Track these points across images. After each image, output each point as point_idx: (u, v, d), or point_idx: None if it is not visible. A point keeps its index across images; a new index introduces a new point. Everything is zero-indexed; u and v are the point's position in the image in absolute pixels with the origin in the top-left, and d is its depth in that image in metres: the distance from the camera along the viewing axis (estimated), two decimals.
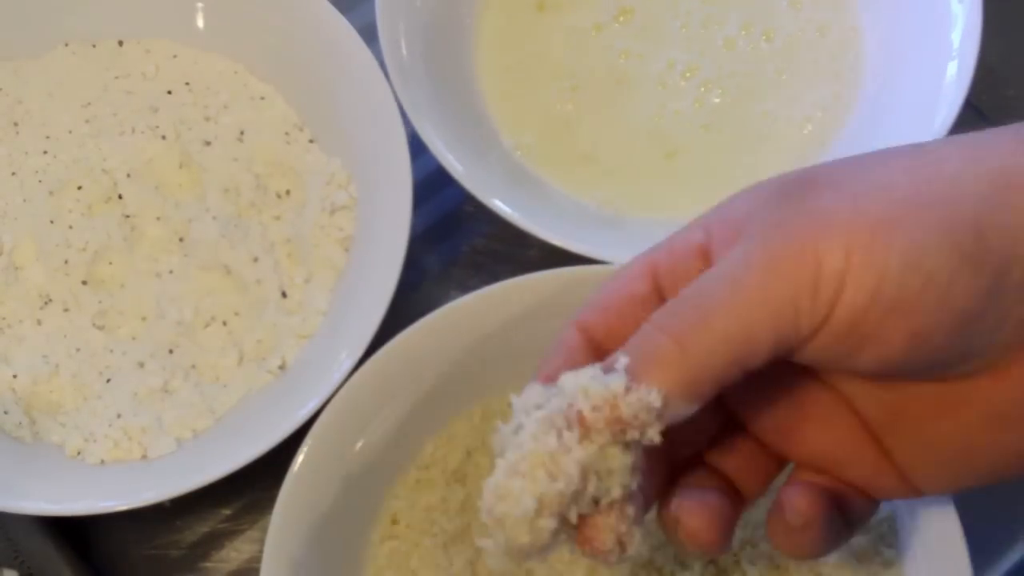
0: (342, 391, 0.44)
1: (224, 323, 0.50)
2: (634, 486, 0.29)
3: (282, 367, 0.50)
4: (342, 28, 0.52)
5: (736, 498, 0.33)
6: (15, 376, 0.49)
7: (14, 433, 0.48)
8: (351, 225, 0.52)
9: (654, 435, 0.28)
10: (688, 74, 0.56)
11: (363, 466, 0.45)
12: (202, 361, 0.50)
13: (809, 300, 0.28)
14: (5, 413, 0.48)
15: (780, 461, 0.34)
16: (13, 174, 0.53)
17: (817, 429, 0.33)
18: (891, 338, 0.28)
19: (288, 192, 0.53)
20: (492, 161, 0.53)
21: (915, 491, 0.32)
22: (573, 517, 0.28)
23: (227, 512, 0.51)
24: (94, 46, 0.55)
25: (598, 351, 0.32)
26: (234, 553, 0.50)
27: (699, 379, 0.28)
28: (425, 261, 0.56)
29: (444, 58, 0.55)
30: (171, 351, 0.50)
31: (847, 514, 0.32)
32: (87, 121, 0.54)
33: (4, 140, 0.53)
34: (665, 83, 0.56)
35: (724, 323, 0.28)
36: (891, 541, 0.44)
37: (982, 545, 0.43)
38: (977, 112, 0.58)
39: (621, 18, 0.57)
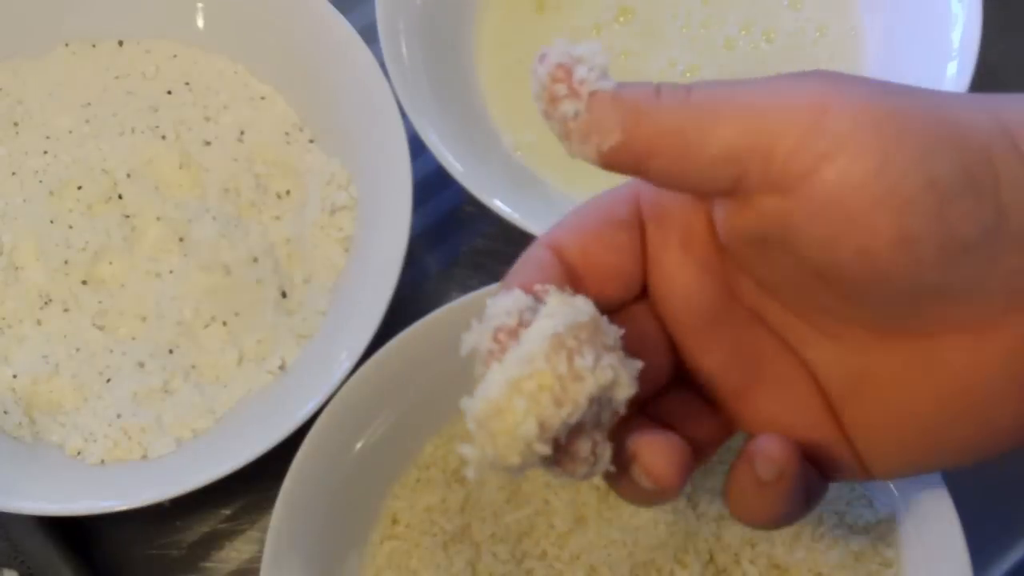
0: (342, 391, 0.44)
1: (224, 323, 0.50)
2: (623, 411, 0.28)
3: (282, 367, 0.50)
4: (342, 28, 0.52)
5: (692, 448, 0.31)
6: (15, 376, 0.49)
7: (14, 433, 0.48)
8: (351, 225, 0.52)
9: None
10: (688, 74, 0.56)
11: (363, 466, 0.45)
12: (202, 361, 0.50)
13: (795, 141, 0.26)
14: (5, 413, 0.48)
15: (731, 427, 0.32)
16: (13, 174, 0.53)
17: (772, 393, 0.31)
18: (880, 229, 0.26)
19: (288, 192, 0.53)
20: (492, 161, 0.53)
21: (865, 471, 0.30)
22: (562, 441, 0.27)
23: (227, 512, 0.51)
24: (94, 46, 0.55)
25: (572, 275, 0.30)
26: (234, 553, 0.50)
27: (646, 118, 0.27)
28: (425, 261, 0.56)
29: (444, 58, 0.55)
30: (171, 351, 0.50)
31: (808, 484, 0.30)
32: (87, 121, 0.54)
33: (4, 140, 0.53)
34: None
35: (702, 100, 0.27)
36: (891, 541, 0.44)
37: (982, 545, 0.43)
38: None
39: (621, 18, 0.57)
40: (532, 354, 0.27)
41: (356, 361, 0.46)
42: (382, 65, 0.51)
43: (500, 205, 0.49)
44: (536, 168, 0.54)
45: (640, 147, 0.27)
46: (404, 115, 0.50)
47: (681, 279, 0.30)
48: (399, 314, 0.47)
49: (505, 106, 0.55)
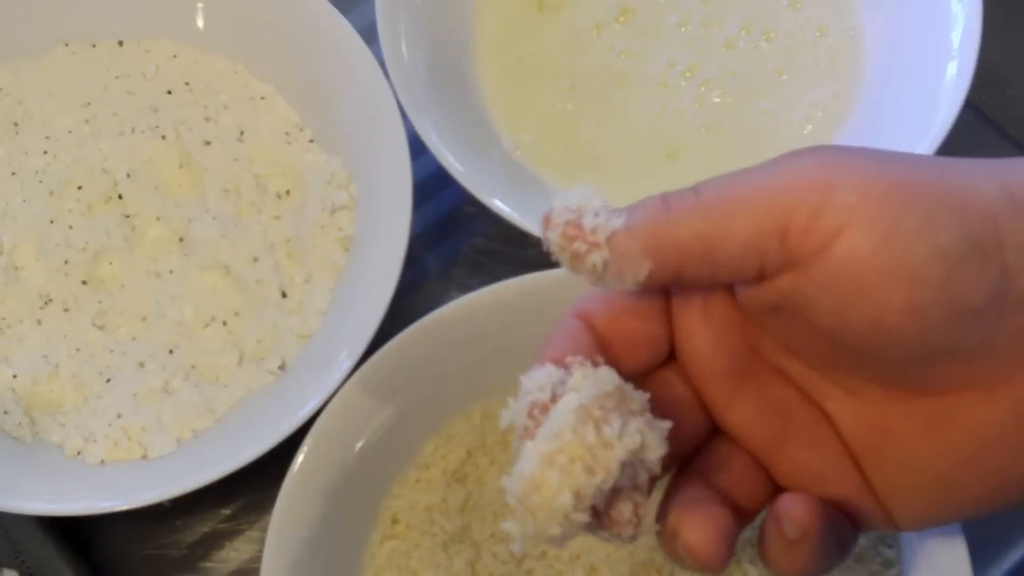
0: (342, 391, 0.44)
1: (224, 323, 0.50)
2: (658, 471, 0.29)
3: (282, 367, 0.50)
4: (342, 28, 0.52)
5: (733, 511, 0.31)
6: (15, 376, 0.49)
7: (14, 433, 0.48)
8: (351, 225, 0.52)
9: (599, 261, 0.29)
10: (688, 74, 0.56)
11: (363, 466, 0.45)
12: (202, 361, 0.50)
13: (807, 218, 0.27)
14: (5, 413, 0.48)
15: (774, 484, 0.33)
16: (13, 174, 0.53)
17: (800, 446, 0.32)
18: (889, 300, 0.27)
19: (288, 192, 0.53)
20: (492, 161, 0.53)
21: (892, 522, 0.31)
22: (600, 506, 0.28)
23: (227, 512, 0.51)
24: (94, 46, 0.55)
25: (602, 343, 0.31)
26: (234, 553, 0.50)
27: (665, 236, 0.28)
28: (425, 261, 0.56)
29: (444, 58, 0.55)
30: (171, 351, 0.50)
31: (839, 533, 0.31)
32: (87, 121, 0.54)
33: (4, 140, 0.53)
34: (665, 83, 0.56)
35: (713, 200, 0.28)
36: (891, 541, 0.44)
37: (982, 545, 0.43)
38: (977, 112, 0.58)
39: (621, 18, 0.57)
40: (560, 428, 0.28)
41: (356, 361, 0.46)
42: (382, 65, 0.51)
43: (500, 205, 0.49)
44: (536, 168, 0.54)
45: (671, 264, 0.29)
46: (404, 115, 0.50)
47: (703, 338, 0.31)
48: (399, 314, 0.47)
49: (505, 106, 0.55)
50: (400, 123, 0.50)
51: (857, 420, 0.31)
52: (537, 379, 0.29)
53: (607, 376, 0.29)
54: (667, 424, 0.29)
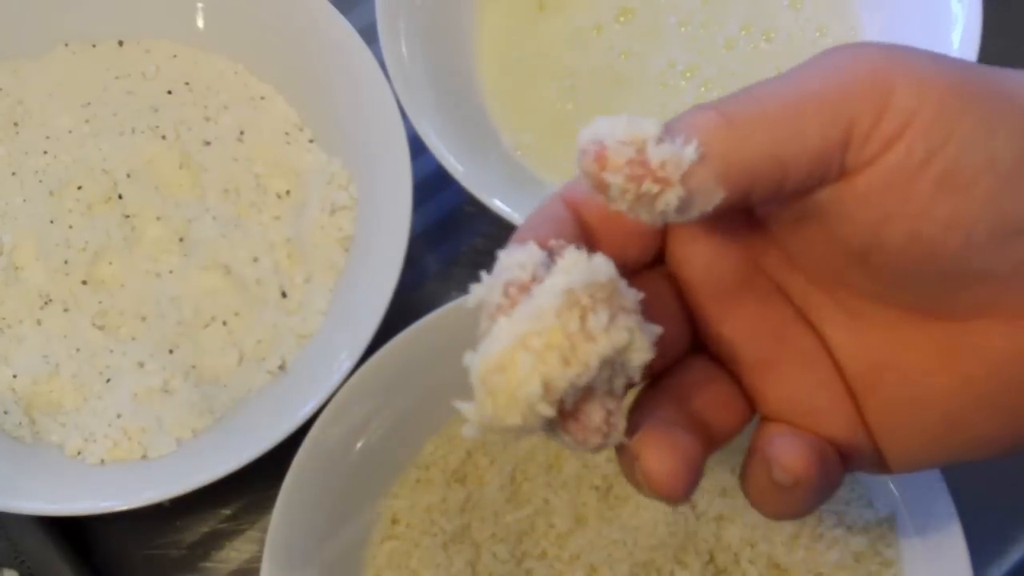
0: (342, 391, 0.44)
1: (224, 323, 0.50)
2: (638, 379, 0.26)
3: (282, 367, 0.50)
4: (342, 28, 0.52)
5: (704, 438, 0.28)
6: (15, 376, 0.49)
7: (14, 433, 0.48)
8: (351, 225, 0.52)
9: (672, 204, 0.25)
10: (688, 74, 0.56)
11: (363, 466, 0.45)
12: (202, 361, 0.50)
13: (869, 124, 0.25)
14: (5, 413, 0.48)
15: (750, 410, 0.30)
16: (13, 174, 0.53)
17: (792, 372, 0.29)
18: (935, 213, 0.25)
19: (288, 192, 0.53)
20: (492, 161, 0.53)
21: (882, 463, 0.29)
22: (569, 405, 0.25)
23: (227, 512, 0.51)
24: (94, 46, 0.55)
25: (588, 233, 0.28)
26: (234, 553, 0.50)
27: (738, 160, 0.25)
28: (425, 261, 0.56)
29: (444, 58, 0.55)
30: (171, 351, 0.50)
31: (828, 472, 0.28)
32: (87, 121, 0.54)
33: (4, 140, 0.53)
34: (666, 83, 0.56)
35: (776, 109, 0.25)
36: (891, 541, 0.44)
37: (982, 545, 0.43)
38: None
39: (622, 18, 0.57)
40: (542, 309, 0.25)
41: (356, 361, 0.46)
42: (382, 65, 0.51)
43: (500, 205, 0.49)
44: (536, 168, 0.54)
45: (742, 188, 0.25)
46: (404, 115, 0.50)
47: (703, 244, 0.29)
48: (399, 314, 0.47)
49: (505, 106, 0.55)
50: (400, 123, 0.50)
51: (859, 348, 0.29)
52: (517, 257, 0.26)
53: (602, 265, 0.26)
54: (658, 329, 0.26)
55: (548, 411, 0.25)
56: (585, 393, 0.26)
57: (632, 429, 0.27)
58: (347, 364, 0.46)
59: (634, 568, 0.44)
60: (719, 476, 0.46)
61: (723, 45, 0.56)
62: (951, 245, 0.25)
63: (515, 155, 0.54)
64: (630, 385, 0.27)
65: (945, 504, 0.43)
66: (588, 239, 0.28)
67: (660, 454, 0.26)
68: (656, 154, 0.24)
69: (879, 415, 0.29)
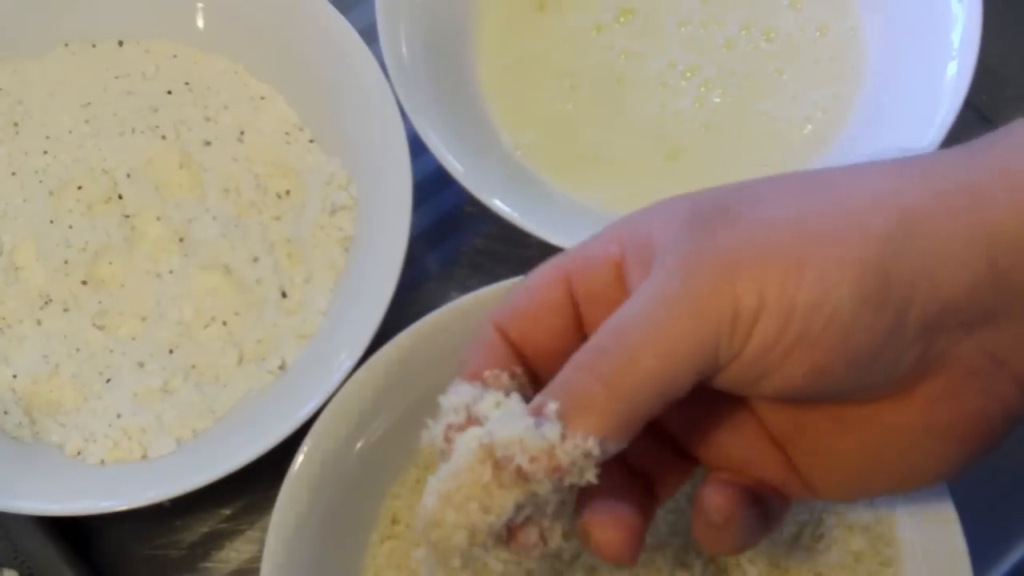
0: (342, 391, 0.44)
1: (224, 323, 0.50)
2: (561, 505, 0.30)
3: (282, 367, 0.50)
4: (342, 28, 0.52)
5: (649, 499, 0.33)
6: (15, 376, 0.49)
7: (14, 433, 0.48)
8: (351, 225, 0.52)
9: (591, 477, 0.29)
10: (688, 74, 0.56)
11: (363, 466, 0.45)
12: (202, 361, 0.50)
13: (728, 337, 0.29)
14: (5, 413, 0.48)
15: (695, 462, 0.35)
16: (13, 174, 0.53)
17: (726, 434, 0.33)
18: (793, 371, 0.29)
19: (288, 192, 0.53)
20: (492, 161, 0.53)
21: (816, 495, 0.33)
22: (504, 532, 0.29)
23: (227, 512, 0.51)
24: (94, 46, 0.55)
25: (516, 353, 0.32)
26: (234, 553, 0.50)
27: (630, 420, 0.29)
28: (425, 261, 0.56)
29: (444, 58, 0.55)
30: (171, 351, 0.50)
31: (765, 509, 0.33)
32: (87, 121, 0.54)
33: (4, 140, 0.53)
34: (666, 83, 0.56)
35: (650, 364, 0.28)
36: (891, 541, 0.44)
37: (982, 545, 0.43)
38: (977, 112, 0.58)
39: (621, 18, 0.57)
40: (459, 466, 0.28)
41: (356, 361, 0.46)
42: (382, 65, 0.51)
43: (500, 205, 0.49)
44: (536, 168, 0.54)
45: (636, 431, 0.29)
46: (404, 115, 0.50)
47: None
48: (399, 314, 0.47)
49: (505, 106, 0.55)
50: (400, 123, 0.50)
51: (777, 416, 0.33)
52: (453, 400, 0.30)
53: (514, 409, 0.29)
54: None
55: (480, 552, 0.29)
56: (521, 519, 0.29)
57: (580, 508, 0.31)
58: (347, 364, 0.46)
59: (634, 568, 0.44)
60: None
61: (723, 45, 0.56)
62: (815, 389, 0.30)
63: (515, 155, 0.54)
64: (562, 502, 0.30)
65: (945, 504, 0.43)
66: (519, 359, 0.32)
67: (606, 532, 0.31)
68: (566, 458, 0.28)
69: (802, 461, 0.33)
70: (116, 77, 0.55)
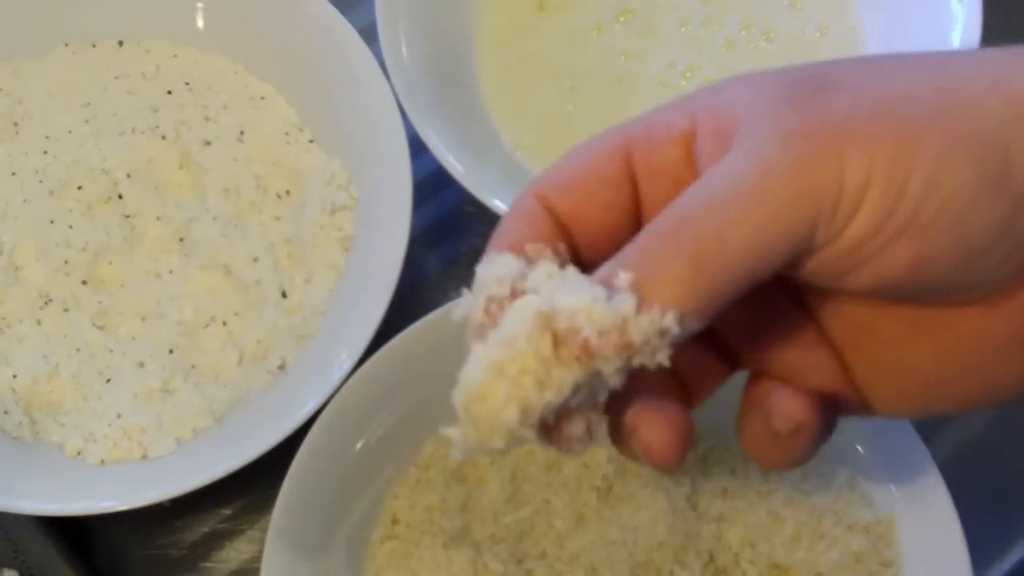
0: (342, 391, 0.44)
1: (224, 323, 0.50)
2: (619, 387, 0.26)
3: (282, 367, 0.50)
4: (342, 28, 0.52)
5: (685, 399, 0.30)
6: (15, 376, 0.49)
7: (14, 433, 0.48)
8: (351, 225, 0.52)
9: (663, 359, 0.25)
10: (688, 74, 0.56)
11: (363, 466, 0.45)
12: (202, 361, 0.50)
13: (830, 214, 0.25)
14: (5, 413, 0.48)
15: (732, 366, 0.31)
16: (13, 174, 0.53)
17: (783, 337, 0.30)
18: (895, 260, 0.26)
19: (288, 192, 0.53)
20: (492, 161, 0.53)
21: (869, 410, 0.31)
22: (551, 419, 0.26)
23: (227, 512, 0.51)
24: (94, 46, 0.55)
25: (563, 230, 0.29)
26: (234, 553, 0.50)
27: (712, 299, 0.25)
28: (425, 261, 0.56)
29: (444, 58, 0.55)
30: (171, 351, 0.50)
31: (827, 423, 0.30)
32: (87, 121, 0.54)
33: (4, 140, 0.53)
34: (665, 83, 0.56)
35: (742, 239, 0.25)
36: (891, 541, 0.44)
37: (982, 545, 0.43)
38: None
39: (622, 18, 0.57)
40: (514, 335, 0.25)
41: (356, 361, 0.46)
42: (382, 65, 0.51)
43: (500, 205, 0.49)
44: (536, 168, 0.54)
45: (715, 314, 0.26)
46: (404, 115, 0.50)
47: None
48: (399, 314, 0.47)
49: (505, 106, 0.55)
50: (400, 123, 0.50)
51: (840, 317, 0.30)
52: (495, 270, 0.26)
53: (573, 279, 0.26)
54: None
55: (529, 434, 0.25)
56: (565, 408, 0.26)
57: (623, 405, 0.28)
58: (347, 364, 0.46)
59: (634, 568, 0.44)
60: (719, 477, 0.46)
61: (723, 45, 0.56)
62: (914, 281, 0.26)
63: (515, 155, 0.54)
64: (609, 392, 0.27)
65: (945, 504, 0.43)
66: (563, 235, 0.29)
67: (655, 430, 0.27)
68: (639, 335, 0.25)
69: (863, 373, 0.30)
70: (116, 77, 0.55)
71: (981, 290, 0.27)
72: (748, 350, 0.31)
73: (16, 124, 0.54)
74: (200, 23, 0.55)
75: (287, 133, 0.54)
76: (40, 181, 0.52)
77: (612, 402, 0.28)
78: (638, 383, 0.28)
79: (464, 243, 0.56)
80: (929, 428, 0.44)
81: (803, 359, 0.30)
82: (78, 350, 0.50)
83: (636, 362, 0.25)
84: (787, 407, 0.29)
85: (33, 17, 0.55)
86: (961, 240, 0.26)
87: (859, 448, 0.45)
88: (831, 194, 0.25)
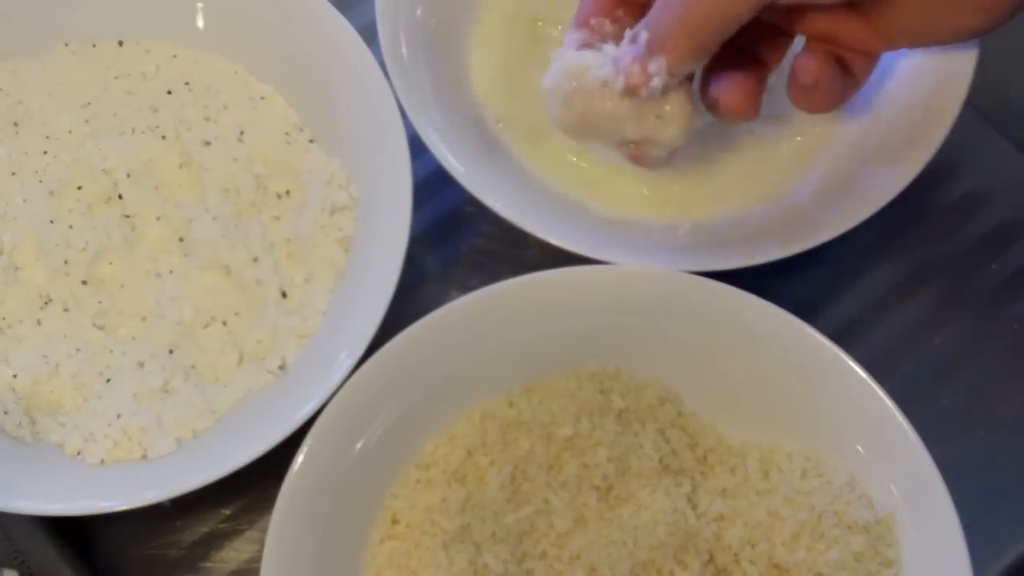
0: (342, 391, 0.44)
1: (224, 323, 0.50)
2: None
3: (282, 367, 0.50)
4: (342, 28, 0.52)
5: (760, 69, 0.44)
6: (15, 376, 0.49)
7: (14, 433, 0.48)
8: (351, 225, 0.52)
9: (665, 83, 0.41)
10: None
11: (363, 466, 0.45)
12: (202, 361, 0.50)
13: None
14: (5, 413, 0.48)
15: (792, 37, 0.45)
16: (13, 174, 0.53)
17: (817, 11, 0.43)
18: None
19: (288, 192, 0.53)
20: (492, 161, 0.53)
21: (893, 45, 0.44)
22: (632, 133, 0.43)
23: (227, 512, 0.51)
24: (94, 46, 0.55)
25: None
26: (234, 553, 0.50)
27: (701, 48, 0.40)
28: (425, 261, 0.56)
29: (444, 58, 0.55)
30: (171, 351, 0.50)
31: (850, 71, 0.44)
32: (87, 121, 0.54)
33: (4, 140, 0.53)
34: None
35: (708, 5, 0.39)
36: (891, 541, 0.44)
37: (982, 545, 0.43)
38: (977, 112, 0.58)
39: None
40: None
41: (356, 361, 0.46)
42: (382, 65, 0.51)
43: (500, 205, 0.49)
44: (536, 167, 0.54)
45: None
46: (404, 115, 0.50)
47: None
48: (399, 314, 0.47)
49: (505, 106, 0.55)
50: (400, 123, 0.50)
51: None
52: (568, 63, 0.43)
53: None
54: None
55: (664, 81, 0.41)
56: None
57: (708, 81, 0.44)
58: (347, 364, 0.46)
59: (634, 568, 0.44)
60: (719, 476, 0.46)
61: None
62: None
63: (515, 155, 0.54)
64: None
65: (945, 504, 0.43)
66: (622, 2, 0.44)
67: (731, 93, 0.43)
68: (656, 74, 0.41)
69: (879, 18, 0.43)
70: (116, 77, 0.55)
71: None
72: (796, 25, 0.44)
73: (16, 124, 0.54)
74: (200, 23, 0.55)
75: (287, 133, 0.54)
76: (40, 181, 0.52)
77: (705, 76, 0.44)
78: (720, 62, 0.43)
79: (464, 243, 0.56)
80: (929, 428, 0.44)
81: (836, 22, 0.43)
82: (78, 350, 0.50)
83: (657, 84, 0.41)
84: (807, 66, 0.43)
85: (33, 17, 0.55)
86: None
87: (859, 448, 0.45)
88: None
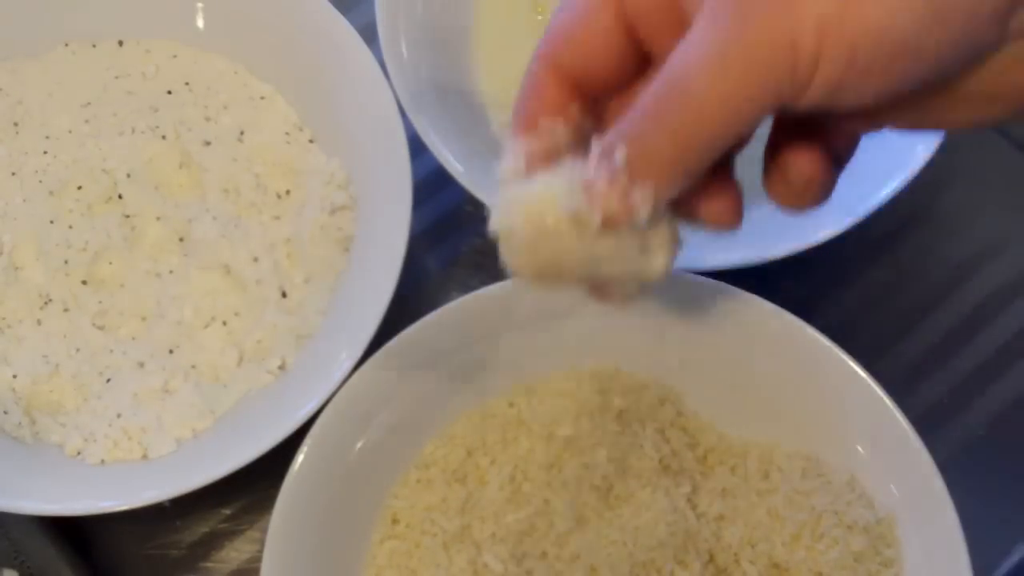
0: (342, 391, 0.44)
1: (224, 323, 0.50)
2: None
3: (282, 367, 0.50)
4: (342, 28, 0.52)
5: (728, 174, 0.36)
6: (15, 376, 0.49)
7: (14, 433, 0.48)
8: (351, 225, 0.52)
9: (650, 213, 0.31)
10: None
11: (363, 466, 0.45)
12: (202, 361, 0.50)
13: (789, 83, 0.29)
14: (5, 413, 0.48)
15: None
16: (13, 174, 0.53)
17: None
18: (865, 92, 0.29)
19: (288, 192, 0.53)
20: (492, 161, 0.53)
21: (881, 127, 0.35)
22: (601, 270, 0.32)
23: (227, 512, 0.51)
24: (94, 46, 0.55)
25: (571, 86, 0.33)
26: (234, 553, 0.50)
27: (693, 166, 0.30)
28: (425, 261, 0.56)
29: (444, 58, 0.55)
30: (171, 351, 0.50)
31: (839, 164, 0.36)
32: (87, 121, 0.54)
33: (4, 140, 0.53)
34: None
35: (713, 112, 0.29)
36: (891, 541, 0.44)
37: (982, 545, 0.43)
38: None
39: None
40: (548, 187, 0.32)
41: (356, 361, 0.46)
42: (382, 65, 0.51)
43: None
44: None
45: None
46: (404, 115, 0.50)
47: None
48: (399, 314, 0.47)
49: (505, 106, 0.55)
50: (400, 123, 0.50)
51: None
52: (511, 193, 0.33)
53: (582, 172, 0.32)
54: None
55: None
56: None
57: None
58: (347, 364, 0.46)
59: (634, 568, 0.44)
60: (719, 476, 0.46)
61: None
62: (891, 98, 0.30)
63: None
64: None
65: (945, 504, 0.43)
66: (574, 94, 0.33)
67: (716, 211, 0.34)
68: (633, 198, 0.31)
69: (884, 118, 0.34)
70: (116, 77, 0.55)
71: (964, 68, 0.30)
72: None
73: (16, 124, 0.54)
74: (200, 23, 0.55)
75: (287, 133, 0.54)
76: (40, 181, 0.53)
77: (683, 195, 0.34)
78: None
79: (464, 243, 0.56)
80: (929, 428, 0.44)
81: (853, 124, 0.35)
82: (78, 350, 0.50)
83: (643, 216, 0.31)
84: (803, 168, 0.34)
85: (33, 17, 0.55)
86: (921, 67, 0.28)
87: (859, 448, 0.45)
88: (786, 68, 0.28)
